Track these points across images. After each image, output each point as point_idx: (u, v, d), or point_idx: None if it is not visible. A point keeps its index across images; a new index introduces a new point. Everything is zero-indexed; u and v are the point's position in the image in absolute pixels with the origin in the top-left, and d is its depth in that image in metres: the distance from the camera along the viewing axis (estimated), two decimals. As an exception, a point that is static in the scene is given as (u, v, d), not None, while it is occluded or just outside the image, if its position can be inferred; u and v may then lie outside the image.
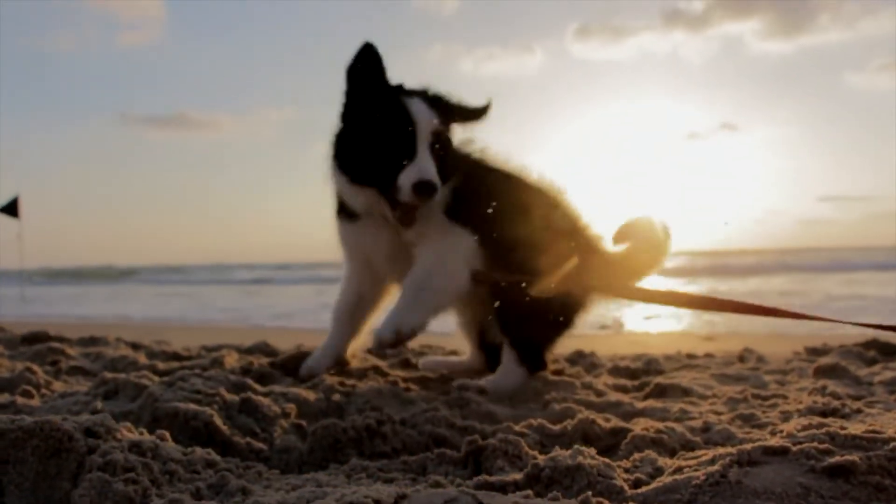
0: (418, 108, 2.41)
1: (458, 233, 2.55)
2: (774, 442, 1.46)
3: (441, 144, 2.44)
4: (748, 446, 1.43)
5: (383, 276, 2.80)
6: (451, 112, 2.53)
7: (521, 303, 2.51)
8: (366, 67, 2.45)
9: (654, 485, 1.39)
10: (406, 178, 2.33)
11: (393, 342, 2.37)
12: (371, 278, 2.82)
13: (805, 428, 1.67)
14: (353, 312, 2.89)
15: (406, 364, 3.41)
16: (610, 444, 1.93)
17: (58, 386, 2.67)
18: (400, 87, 2.50)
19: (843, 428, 1.57)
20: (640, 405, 2.37)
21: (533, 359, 2.73)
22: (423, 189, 2.32)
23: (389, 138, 2.38)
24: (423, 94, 2.50)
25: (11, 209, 14.09)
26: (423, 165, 2.34)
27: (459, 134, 2.59)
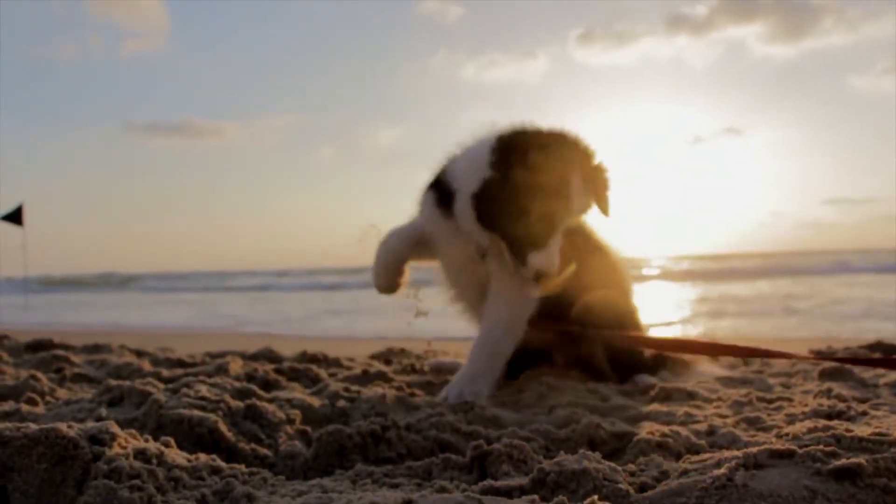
0: (575, 195, 2.49)
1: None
2: (780, 445, 1.46)
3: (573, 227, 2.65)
4: (754, 449, 1.43)
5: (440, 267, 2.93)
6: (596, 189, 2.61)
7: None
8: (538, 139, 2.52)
9: (659, 488, 1.39)
10: (533, 262, 2.46)
11: (460, 407, 2.35)
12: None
13: (811, 431, 1.66)
14: (402, 247, 2.91)
15: (411, 370, 3.41)
16: (615, 448, 1.93)
17: (62, 393, 2.67)
18: (562, 149, 2.52)
19: (848, 430, 1.56)
20: (644, 409, 2.37)
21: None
22: (542, 278, 2.49)
23: (538, 215, 2.47)
24: (582, 162, 2.55)
25: (16, 217, 14.12)
26: (552, 256, 2.48)
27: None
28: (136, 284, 31.05)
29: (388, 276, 2.87)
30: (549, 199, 2.46)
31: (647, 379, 2.96)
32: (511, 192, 2.46)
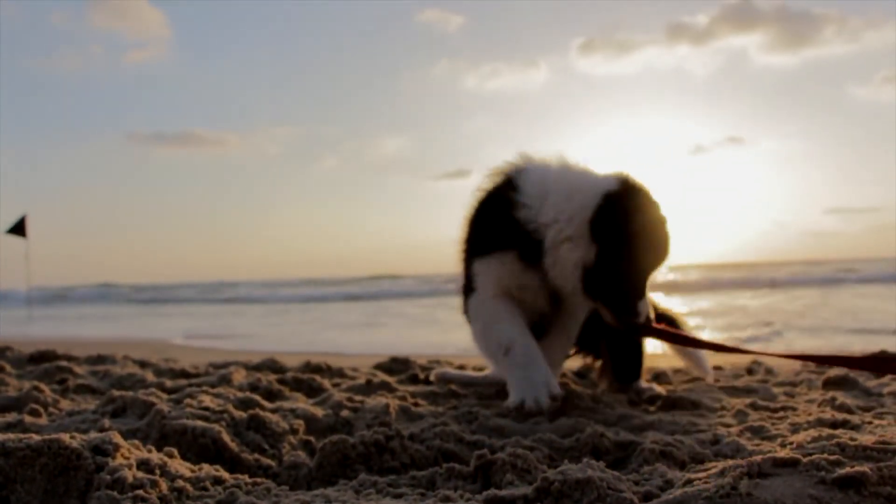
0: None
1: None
2: (784, 454, 1.45)
3: None
4: (758, 458, 1.42)
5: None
6: None
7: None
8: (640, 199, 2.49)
9: (664, 497, 1.38)
10: (642, 311, 2.55)
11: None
12: None
13: (815, 439, 1.66)
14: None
15: (414, 379, 3.41)
16: (619, 457, 1.92)
17: (65, 404, 2.67)
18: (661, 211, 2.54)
19: (853, 439, 1.56)
20: (649, 418, 2.36)
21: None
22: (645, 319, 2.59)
23: (647, 274, 2.55)
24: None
25: (19, 229, 14.17)
26: (645, 309, 2.57)
27: None
28: (137, 295, 31.05)
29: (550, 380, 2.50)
30: (656, 257, 2.53)
31: (653, 388, 2.96)
32: (627, 266, 2.46)
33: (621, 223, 2.41)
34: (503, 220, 2.53)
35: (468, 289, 2.69)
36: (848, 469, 1.34)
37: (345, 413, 2.36)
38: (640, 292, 2.53)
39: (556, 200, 2.47)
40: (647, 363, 3.49)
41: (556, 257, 2.46)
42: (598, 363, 3.20)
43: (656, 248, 2.50)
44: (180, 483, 1.55)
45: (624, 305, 2.52)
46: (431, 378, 3.20)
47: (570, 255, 2.44)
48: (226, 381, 3.05)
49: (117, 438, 1.61)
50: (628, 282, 2.49)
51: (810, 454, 1.44)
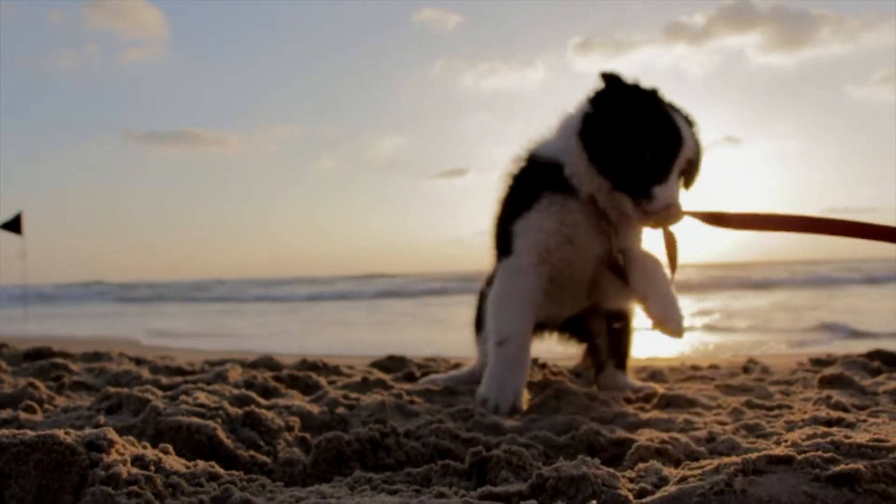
0: (685, 130, 2.47)
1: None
2: (779, 451, 1.45)
3: (690, 169, 2.57)
4: (753, 455, 1.42)
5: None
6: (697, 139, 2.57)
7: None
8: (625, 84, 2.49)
9: (658, 494, 1.38)
10: (659, 196, 2.42)
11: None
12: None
13: (810, 437, 1.66)
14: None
15: (410, 377, 3.41)
16: (614, 454, 1.92)
17: (61, 401, 2.67)
18: (666, 102, 2.51)
19: (847, 437, 1.56)
20: (644, 416, 2.37)
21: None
22: (669, 214, 2.46)
23: (655, 151, 2.42)
24: (682, 114, 2.53)
25: (15, 225, 14.13)
26: (676, 191, 2.46)
27: None
28: (134, 294, 31.00)
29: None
30: (662, 131, 2.42)
31: (649, 386, 2.96)
32: (622, 118, 2.44)
33: (614, 101, 2.47)
34: (535, 176, 2.65)
35: (502, 252, 2.72)
36: (842, 466, 1.34)
37: (340, 410, 2.36)
38: (653, 170, 2.42)
39: (565, 125, 2.61)
40: (647, 364, 3.50)
41: (571, 149, 2.54)
42: (584, 346, 3.21)
43: (653, 125, 2.43)
44: (175, 479, 1.55)
45: (638, 186, 2.43)
46: (420, 384, 3.19)
47: (570, 144, 2.53)
48: (222, 378, 3.05)
49: (112, 434, 1.60)
50: (634, 158, 2.42)
51: (805, 451, 1.44)
